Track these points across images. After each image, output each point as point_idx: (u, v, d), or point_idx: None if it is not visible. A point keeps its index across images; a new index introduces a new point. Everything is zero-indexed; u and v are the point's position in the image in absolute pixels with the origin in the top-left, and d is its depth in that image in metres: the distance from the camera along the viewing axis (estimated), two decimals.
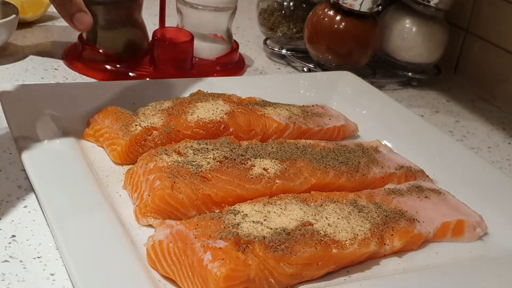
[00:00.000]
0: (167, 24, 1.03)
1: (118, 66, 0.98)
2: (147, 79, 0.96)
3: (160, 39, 0.98)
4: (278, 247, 0.58)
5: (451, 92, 1.13)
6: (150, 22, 1.05)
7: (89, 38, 0.99)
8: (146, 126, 0.76)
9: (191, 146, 0.72)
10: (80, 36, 1.01)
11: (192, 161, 0.69)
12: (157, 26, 1.02)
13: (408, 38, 1.09)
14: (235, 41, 1.08)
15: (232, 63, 1.06)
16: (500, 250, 0.69)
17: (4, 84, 0.86)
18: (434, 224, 0.69)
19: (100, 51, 0.98)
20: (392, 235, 0.65)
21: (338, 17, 1.04)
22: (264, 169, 0.70)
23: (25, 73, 0.96)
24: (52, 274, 0.58)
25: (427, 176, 0.79)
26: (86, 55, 1.00)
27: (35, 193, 0.66)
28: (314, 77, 1.02)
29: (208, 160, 0.69)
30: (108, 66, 0.98)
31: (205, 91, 0.85)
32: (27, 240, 0.62)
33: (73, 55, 1.01)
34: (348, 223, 0.64)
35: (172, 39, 0.99)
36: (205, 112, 0.79)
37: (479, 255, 0.69)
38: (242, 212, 0.62)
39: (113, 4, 0.97)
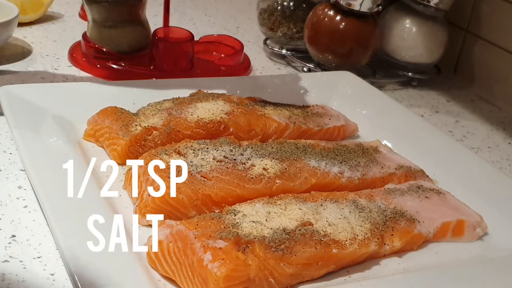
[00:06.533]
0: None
1: (122, 64, 0.98)
2: (147, 79, 0.96)
3: (160, 39, 0.98)
4: (278, 247, 0.58)
5: (451, 92, 1.13)
6: (150, 22, 1.05)
7: (93, 36, 0.99)
8: (146, 126, 0.76)
9: (191, 146, 0.72)
10: (84, 35, 1.01)
11: (192, 161, 0.69)
12: (157, 26, 1.02)
13: (408, 38, 1.09)
14: (240, 42, 1.08)
15: (237, 64, 1.06)
16: (500, 250, 0.69)
17: (4, 84, 0.86)
18: (434, 224, 0.69)
19: (104, 49, 0.98)
20: (392, 235, 0.65)
21: (338, 17, 1.04)
22: (264, 169, 0.70)
23: (25, 73, 0.96)
24: (52, 274, 0.58)
25: (427, 176, 0.79)
26: (90, 53, 1.00)
27: (35, 193, 0.66)
28: (314, 77, 1.02)
29: (208, 160, 0.69)
30: (112, 65, 0.98)
31: (205, 91, 0.85)
32: (27, 240, 0.62)
33: (77, 54, 1.02)
34: (348, 223, 0.63)
35: (172, 39, 0.99)
36: (205, 112, 0.79)
37: (479, 255, 0.69)
38: (242, 212, 0.62)
39: (117, 3, 0.97)
